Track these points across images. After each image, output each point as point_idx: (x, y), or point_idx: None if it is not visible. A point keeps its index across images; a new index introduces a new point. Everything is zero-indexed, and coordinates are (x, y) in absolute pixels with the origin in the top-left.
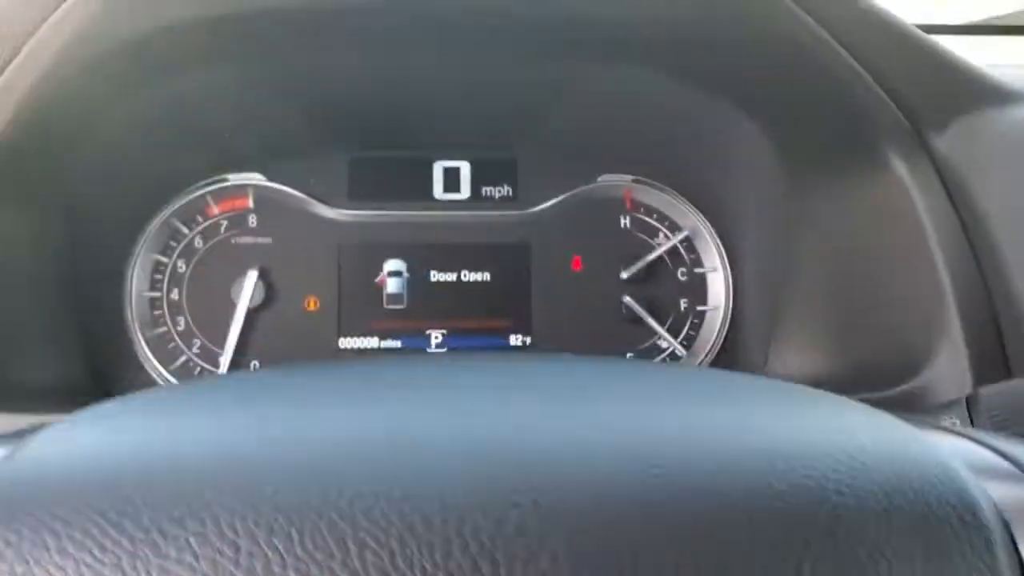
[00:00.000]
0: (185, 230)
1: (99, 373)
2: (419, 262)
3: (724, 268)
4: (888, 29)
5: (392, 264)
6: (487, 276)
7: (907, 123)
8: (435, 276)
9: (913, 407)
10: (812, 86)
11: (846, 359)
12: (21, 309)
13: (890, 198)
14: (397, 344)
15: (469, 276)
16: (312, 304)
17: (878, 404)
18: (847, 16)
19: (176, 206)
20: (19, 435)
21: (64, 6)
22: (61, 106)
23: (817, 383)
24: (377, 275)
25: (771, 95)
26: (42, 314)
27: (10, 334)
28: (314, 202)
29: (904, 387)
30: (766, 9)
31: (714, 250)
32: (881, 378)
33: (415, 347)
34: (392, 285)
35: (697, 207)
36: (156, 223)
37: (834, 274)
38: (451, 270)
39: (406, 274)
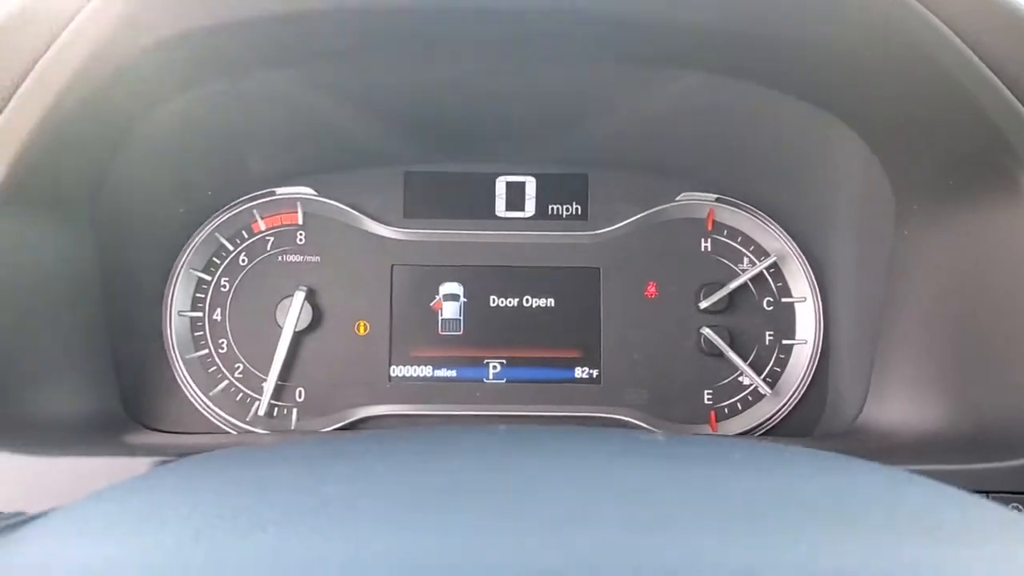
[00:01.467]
0: (229, 246)
1: (135, 401)
2: (478, 285)
3: (815, 298)
4: None
5: (448, 287)
6: (552, 302)
7: None
8: (495, 301)
9: None
10: (935, 99)
11: (962, 413)
12: (49, 334)
13: None
14: (452, 374)
15: (532, 302)
16: (362, 328)
17: (997, 476)
18: (978, 14)
19: (220, 220)
20: None
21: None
22: (94, 108)
23: (924, 438)
24: (432, 299)
25: (885, 109)
26: (72, 338)
27: (37, 363)
28: (367, 219)
29: None
30: (881, 6)
31: (804, 278)
32: (1005, 442)
33: (471, 377)
34: (448, 310)
35: (786, 230)
36: (198, 238)
37: (951, 312)
38: (513, 295)
39: (463, 298)
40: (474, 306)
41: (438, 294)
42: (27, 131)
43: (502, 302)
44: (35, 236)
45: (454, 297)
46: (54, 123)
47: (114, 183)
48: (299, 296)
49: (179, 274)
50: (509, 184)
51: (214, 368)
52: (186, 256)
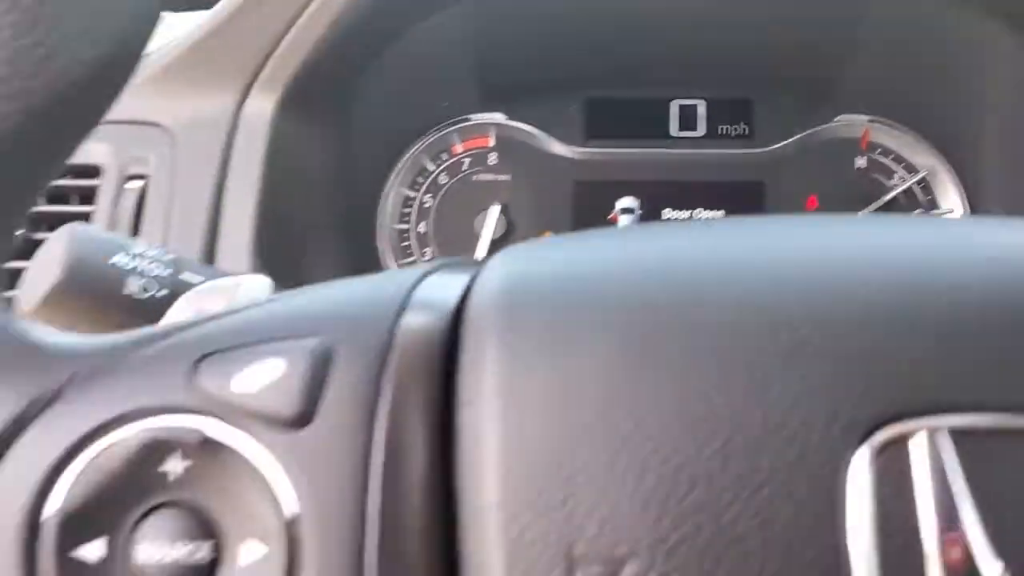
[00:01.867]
0: (431, 166)
1: None
2: (652, 200)
3: (964, 210)
4: None
5: (625, 202)
6: (720, 214)
7: None
8: (668, 213)
9: None
10: None
11: None
12: (311, 229)
13: None
14: None
15: (702, 214)
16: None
17: None
18: None
19: (425, 143)
20: (449, 266)
21: None
22: (358, 31)
23: None
24: (610, 212)
25: None
26: (324, 236)
27: (305, 249)
28: (552, 140)
29: None
30: None
31: (953, 191)
32: None
33: None
34: (625, 222)
35: (936, 147)
36: (407, 158)
37: None
38: (684, 207)
39: (639, 211)
40: (648, 218)
41: (615, 208)
42: (314, 40)
43: (674, 215)
44: (301, 140)
45: (630, 211)
46: (336, 34)
47: (356, 100)
48: (495, 209)
49: (391, 191)
50: (682, 107)
51: None
52: (397, 175)
